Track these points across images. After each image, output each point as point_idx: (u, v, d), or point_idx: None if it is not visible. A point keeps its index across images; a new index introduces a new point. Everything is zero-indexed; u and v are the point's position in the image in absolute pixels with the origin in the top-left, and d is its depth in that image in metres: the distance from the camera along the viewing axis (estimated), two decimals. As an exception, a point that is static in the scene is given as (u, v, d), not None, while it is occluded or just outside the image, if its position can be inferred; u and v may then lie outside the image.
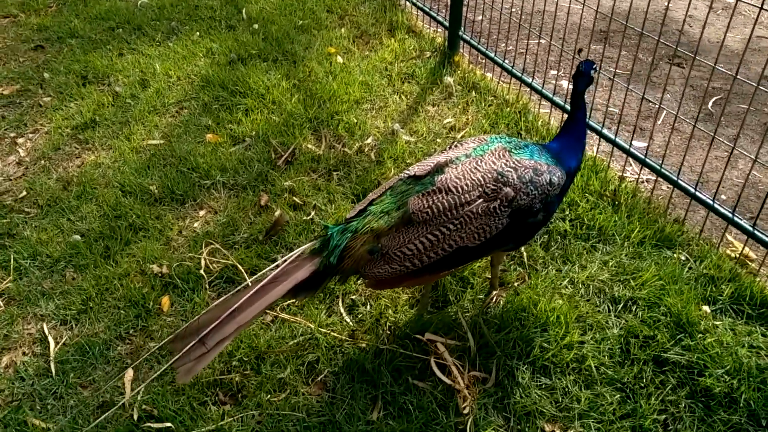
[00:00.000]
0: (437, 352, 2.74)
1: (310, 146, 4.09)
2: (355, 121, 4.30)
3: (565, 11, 5.78)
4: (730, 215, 3.17)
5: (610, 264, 3.16)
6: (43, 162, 4.10)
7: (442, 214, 2.39)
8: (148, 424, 2.55)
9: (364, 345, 2.84)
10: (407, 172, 2.65)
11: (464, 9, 4.99)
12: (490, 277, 3.07)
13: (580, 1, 4.35)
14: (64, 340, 2.96)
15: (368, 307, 3.04)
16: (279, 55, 5.14)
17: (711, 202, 3.25)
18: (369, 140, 4.14)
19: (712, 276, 3.06)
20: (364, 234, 2.47)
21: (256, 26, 5.61)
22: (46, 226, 3.56)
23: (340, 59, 5.09)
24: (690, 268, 3.13)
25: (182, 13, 5.93)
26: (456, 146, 2.70)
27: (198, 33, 5.56)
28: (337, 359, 2.80)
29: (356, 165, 3.92)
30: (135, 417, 2.58)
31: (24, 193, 3.83)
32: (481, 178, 2.43)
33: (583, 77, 2.71)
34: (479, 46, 4.83)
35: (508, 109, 4.36)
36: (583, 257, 3.22)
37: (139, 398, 2.65)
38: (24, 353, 2.92)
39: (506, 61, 4.60)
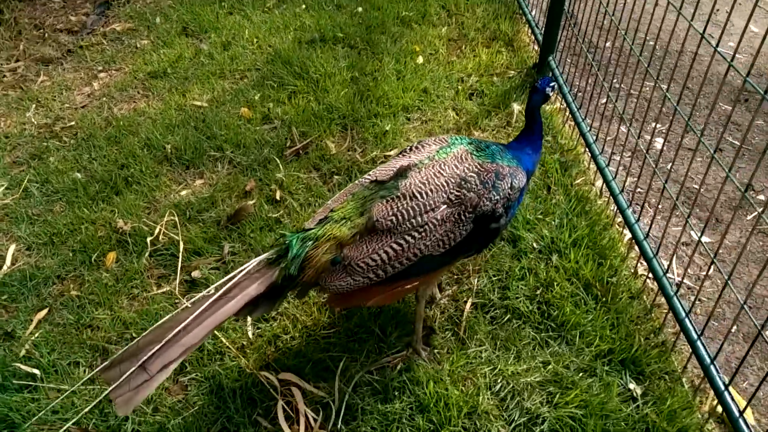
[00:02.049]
0: (291, 395, 2.53)
1: (329, 143, 3.95)
2: (389, 128, 4.06)
3: (704, 58, 4.84)
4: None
5: (549, 368, 2.64)
6: (104, 99, 4.48)
7: (407, 221, 2.26)
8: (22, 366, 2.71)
9: (241, 362, 2.72)
10: (368, 176, 2.50)
11: (564, 30, 4.39)
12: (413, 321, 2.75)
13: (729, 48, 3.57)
14: (19, 264, 3.24)
15: (275, 322, 2.89)
16: (362, 44, 5.00)
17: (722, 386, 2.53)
18: (392, 152, 3.89)
19: (659, 427, 2.41)
20: (325, 242, 2.31)
21: (360, 9, 5.51)
22: (69, 157, 3.91)
23: (420, 59, 4.81)
24: (637, 406, 2.50)
25: (303, -17, 6.02)
26: (418, 148, 2.56)
27: (304, 5, 5.61)
28: (212, 368, 2.71)
29: (360, 174, 3.70)
30: (20, 354, 2.76)
31: (72, 123, 4.23)
32: (445, 183, 2.32)
33: (537, 93, 2.63)
34: (559, 77, 4.24)
35: (555, 155, 3.79)
36: (525, 349, 2.73)
37: (31, 340, 2.83)
38: None
39: (581, 100, 3.98)
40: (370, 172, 2.50)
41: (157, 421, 2.53)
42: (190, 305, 2.27)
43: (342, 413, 2.50)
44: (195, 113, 4.25)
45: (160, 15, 5.54)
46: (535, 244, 3.18)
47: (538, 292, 2.95)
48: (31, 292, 3.08)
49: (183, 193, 3.65)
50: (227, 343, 2.78)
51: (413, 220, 2.27)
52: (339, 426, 2.47)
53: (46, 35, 5.16)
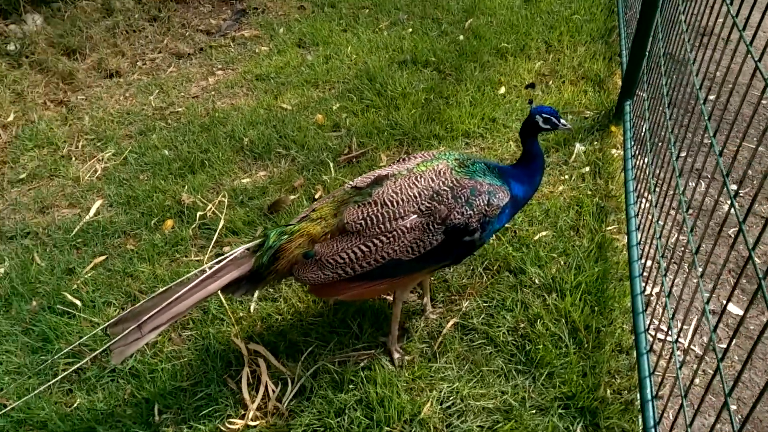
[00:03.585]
0: (258, 366, 2.81)
1: (382, 156, 4.22)
2: (444, 149, 4.22)
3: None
4: None
5: (504, 398, 2.65)
6: (213, 93, 5.15)
7: (375, 226, 2.45)
8: (68, 296, 3.29)
9: (233, 330, 3.06)
10: (350, 183, 2.74)
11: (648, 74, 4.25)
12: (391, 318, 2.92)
13: None
14: (99, 216, 3.91)
15: (275, 303, 3.20)
16: (450, 69, 5.22)
17: None
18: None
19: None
20: (299, 237, 2.61)
21: (461, 37, 5.72)
22: (167, 137, 4.58)
23: (502, 90, 4.92)
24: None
25: (419, 8, 6.36)
26: (402, 160, 2.74)
27: (411, 29, 5.95)
28: (209, 329, 3.09)
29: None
30: (72, 287, 3.36)
31: (180, 109, 4.93)
32: (417, 195, 2.46)
33: (528, 120, 2.66)
34: (627, 124, 4.12)
35: (596, 198, 3.71)
36: (490, 376, 2.77)
37: (84, 277, 3.42)
38: (66, 209, 3.96)
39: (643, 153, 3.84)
40: (354, 179, 2.72)
41: (151, 363, 2.95)
42: (182, 280, 2.61)
43: (294, 391, 2.74)
44: (279, 114, 4.75)
45: (284, 26, 6.20)
46: (536, 280, 3.18)
47: (522, 325, 2.96)
48: (99, 240, 3.70)
49: (245, 180, 4.12)
50: (230, 312, 3.15)
51: (381, 226, 2.44)
52: (289, 401, 2.71)
53: (187, 34, 6.03)
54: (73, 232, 3.78)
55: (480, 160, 2.70)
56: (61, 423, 2.75)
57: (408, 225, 2.42)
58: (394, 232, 2.42)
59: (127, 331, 2.35)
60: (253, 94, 5.10)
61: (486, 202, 2.47)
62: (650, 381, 2.44)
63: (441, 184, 2.48)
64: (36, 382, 2.94)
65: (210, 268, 2.53)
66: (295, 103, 4.91)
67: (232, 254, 2.57)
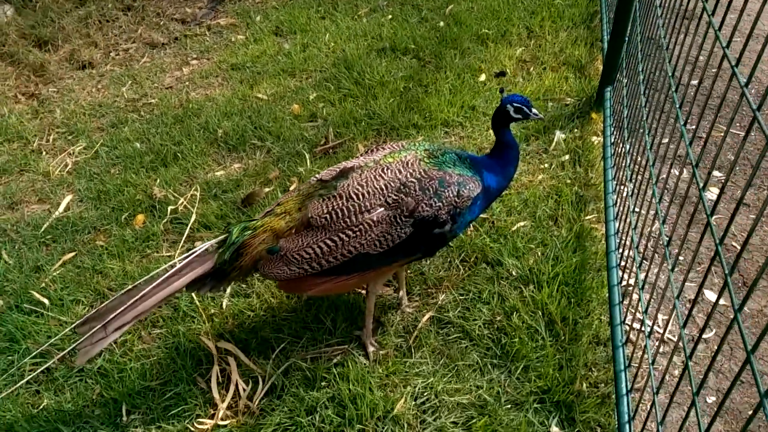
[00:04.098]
0: (228, 364, 2.75)
1: (359, 146, 4.14)
2: (421, 139, 4.15)
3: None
4: None
5: (479, 393, 2.61)
6: (187, 83, 5.04)
7: (340, 220, 2.38)
8: (36, 294, 3.21)
9: (204, 327, 2.99)
10: (317, 175, 2.66)
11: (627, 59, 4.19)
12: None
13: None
14: (69, 212, 3.81)
15: (248, 299, 3.13)
16: (430, 56, 5.13)
17: None
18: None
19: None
20: (263, 233, 2.55)
21: (442, 24, 5.63)
22: (139, 129, 4.47)
23: (482, 77, 4.84)
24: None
25: (399, -5, 6.26)
26: (371, 151, 2.67)
27: (390, 16, 5.85)
28: (179, 327, 3.01)
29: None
30: (40, 285, 3.27)
31: (153, 101, 4.82)
32: (383, 187, 2.39)
33: (499, 109, 2.57)
34: (607, 109, 4.06)
35: (575, 187, 3.65)
36: (465, 371, 2.72)
37: (53, 275, 3.34)
38: (36, 204, 3.87)
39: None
40: (320, 172, 2.64)
41: (120, 362, 2.88)
42: (148, 278, 2.53)
43: (265, 390, 2.68)
44: (253, 104, 4.65)
45: (261, 14, 6.07)
46: (514, 271, 3.13)
47: (498, 318, 2.91)
48: (69, 237, 3.61)
49: (219, 173, 4.03)
50: (201, 309, 3.08)
51: (347, 219, 2.37)
52: (260, 400, 2.65)
53: (162, 23, 5.89)
54: (42, 229, 3.69)
55: (451, 150, 2.63)
56: (27, 425, 2.68)
57: (374, 218, 2.36)
58: (360, 226, 2.36)
59: (92, 330, 2.31)
60: (228, 84, 5.00)
61: (455, 193, 2.41)
62: (625, 375, 2.40)
63: (408, 175, 2.41)
64: (2, 383, 2.86)
65: (179, 263, 2.46)
66: (271, 93, 4.81)
67: (197, 250, 2.51)
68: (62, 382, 2.86)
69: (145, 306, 2.36)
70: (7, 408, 2.75)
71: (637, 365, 2.51)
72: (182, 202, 3.73)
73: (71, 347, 2.43)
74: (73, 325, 2.48)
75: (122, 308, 2.32)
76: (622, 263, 2.88)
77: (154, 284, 2.38)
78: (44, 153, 4.36)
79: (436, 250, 2.60)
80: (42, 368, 2.78)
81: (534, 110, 2.57)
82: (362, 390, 2.62)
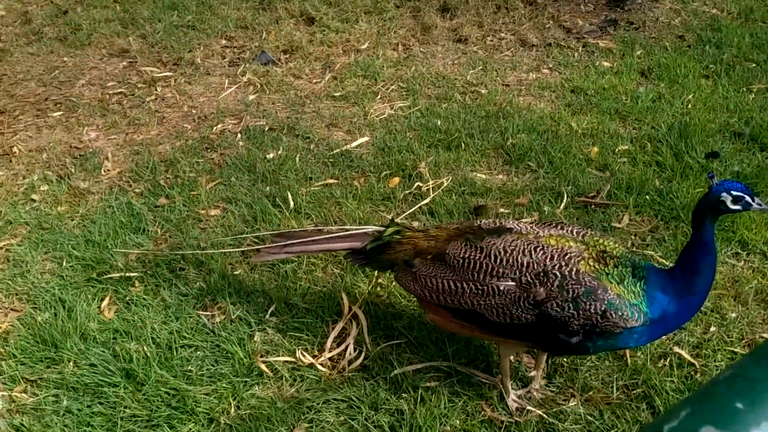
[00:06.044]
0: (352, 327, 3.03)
1: (625, 218, 3.74)
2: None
3: None
4: None
5: None
6: (522, 88, 5.18)
7: (469, 270, 2.43)
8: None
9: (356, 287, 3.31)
10: (478, 222, 2.74)
11: None
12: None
13: None
14: (359, 149, 4.48)
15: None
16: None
17: None
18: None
19: None
20: (408, 244, 2.74)
21: None
22: (452, 109, 4.85)
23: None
24: None
25: None
26: (544, 225, 2.54)
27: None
28: (346, 271, 3.39)
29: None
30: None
31: (484, 91, 5.12)
32: (526, 264, 2.33)
33: (708, 196, 2.17)
34: None
35: None
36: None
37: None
38: (342, 133, 4.64)
39: None
40: (483, 221, 2.69)
41: (294, 277, 3.42)
42: (325, 229, 3.11)
43: (359, 363, 2.91)
44: (560, 130, 4.55)
45: (644, 49, 5.69)
46: None
47: None
48: (342, 166, 4.28)
49: (481, 175, 4.17)
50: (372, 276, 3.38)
51: (475, 273, 2.41)
52: (355, 371, 2.91)
53: (548, 25, 6.06)
54: (333, 152, 4.44)
55: (645, 263, 2.31)
56: (223, 281, 3.44)
57: (501, 287, 2.36)
58: (485, 287, 2.38)
59: (276, 244, 2.95)
60: (556, 103, 4.95)
61: (600, 311, 2.24)
62: None
63: (556, 266, 2.30)
64: (230, 240, 3.70)
65: (346, 232, 2.96)
66: (585, 126, 4.59)
67: (362, 229, 2.93)
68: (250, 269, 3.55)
69: (311, 248, 2.93)
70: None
71: None
72: (430, 184, 4.02)
73: (258, 247, 3.20)
74: (274, 233, 3.20)
75: (297, 241, 2.89)
76: None
77: (324, 236, 2.90)
78: (378, 96, 5.12)
79: (562, 353, 2.47)
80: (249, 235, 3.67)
81: (757, 200, 2.12)
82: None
